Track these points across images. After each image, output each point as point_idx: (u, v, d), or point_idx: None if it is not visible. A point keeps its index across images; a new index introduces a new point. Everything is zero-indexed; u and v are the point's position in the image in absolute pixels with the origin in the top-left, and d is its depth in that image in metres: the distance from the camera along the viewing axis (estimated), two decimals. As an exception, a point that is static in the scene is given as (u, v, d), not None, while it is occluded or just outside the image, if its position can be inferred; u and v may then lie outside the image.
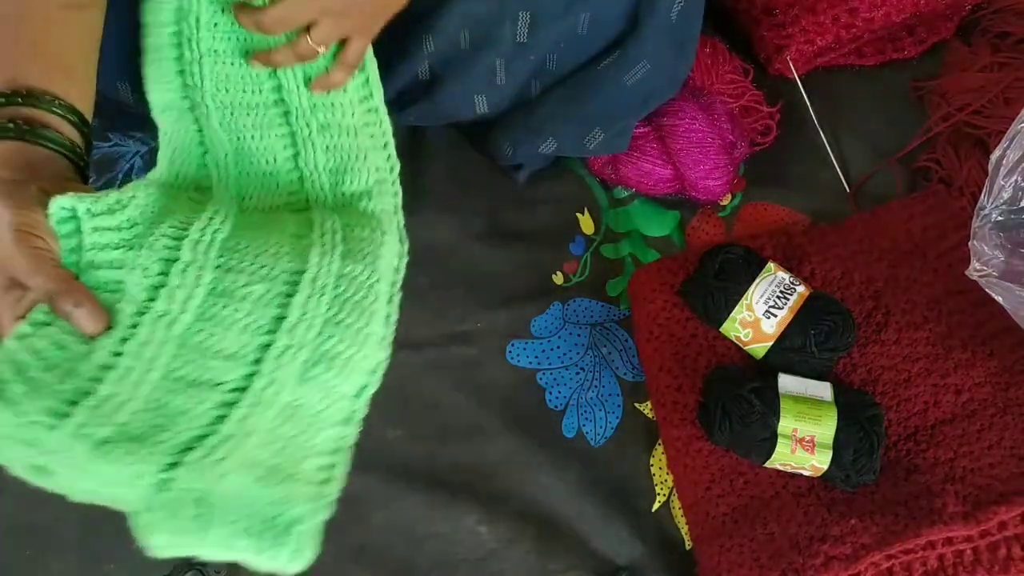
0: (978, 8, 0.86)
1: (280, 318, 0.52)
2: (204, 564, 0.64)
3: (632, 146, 0.76)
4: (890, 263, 0.75)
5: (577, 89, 0.71)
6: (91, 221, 0.49)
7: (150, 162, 0.82)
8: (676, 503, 0.72)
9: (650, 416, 0.74)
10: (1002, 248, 0.65)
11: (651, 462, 0.73)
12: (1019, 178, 0.64)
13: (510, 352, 0.76)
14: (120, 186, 0.77)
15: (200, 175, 0.63)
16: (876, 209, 0.79)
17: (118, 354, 0.47)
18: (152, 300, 0.49)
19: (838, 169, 0.83)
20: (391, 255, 0.60)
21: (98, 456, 0.44)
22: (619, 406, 0.75)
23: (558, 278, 0.79)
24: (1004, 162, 0.65)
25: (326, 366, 0.52)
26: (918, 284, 0.74)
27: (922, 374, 0.70)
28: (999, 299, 0.64)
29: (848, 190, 0.82)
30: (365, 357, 0.54)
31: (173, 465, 0.45)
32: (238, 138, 0.63)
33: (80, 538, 0.70)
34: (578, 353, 0.76)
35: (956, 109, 0.81)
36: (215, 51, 0.63)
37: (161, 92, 0.63)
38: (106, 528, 0.70)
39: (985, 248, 0.65)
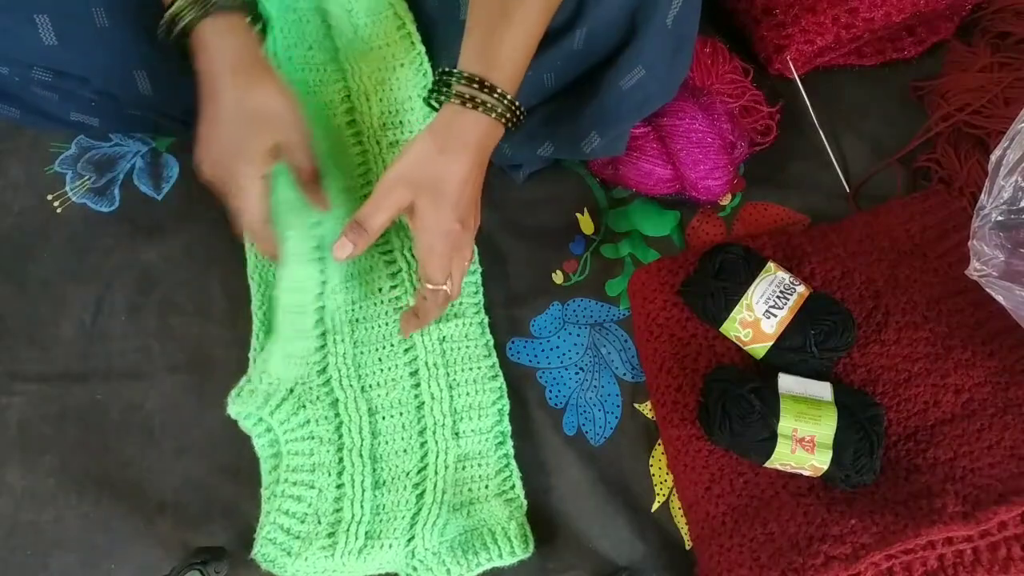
0: (978, 8, 0.86)
1: (420, 405, 0.70)
2: (204, 563, 0.64)
3: (632, 146, 0.76)
4: (890, 263, 0.75)
5: (574, 94, 0.71)
6: (272, 417, 0.68)
7: (151, 162, 0.82)
8: (676, 503, 0.72)
9: (650, 416, 0.74)
10: (1002, 248, 0.65)
11: (651, 462, 0.73)
12: (1019, 178, 0.64)
13: (510, 349, 0.76)
14: (121, 185, 0.81)
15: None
16: (876, 209, 0.79)
17: (340, 486, 0.67)
18: (340, 437, 0.68)
19: (838, 169, 0.83)
20: (468, 283, 0.74)
21: (361, 558, 0.65)
22: (618, 406, 0.75)
23: (558, 277, 0.79)
24: (1004, 162, 0.64)
25: (467, 416, 0.70)
26: (918, 284, 0.74)
27: (922, 374, 0.70)
28: (999, 299, 0.64)
29: (848, 190, 0.82)
30: (489, 390, 0.71)
31: (411, 539, 0.66)
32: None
33: (80, 538, 0.70)
34: (577, 353, 0.76)
35: (956, 109, 0.81)
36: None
37: None
38: (106, 528, 0.71)
39: (985, 248, 0.65)
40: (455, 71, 0.59)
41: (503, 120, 0.59)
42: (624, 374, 0.76)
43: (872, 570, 0.63)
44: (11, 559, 0.70)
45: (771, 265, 0.71)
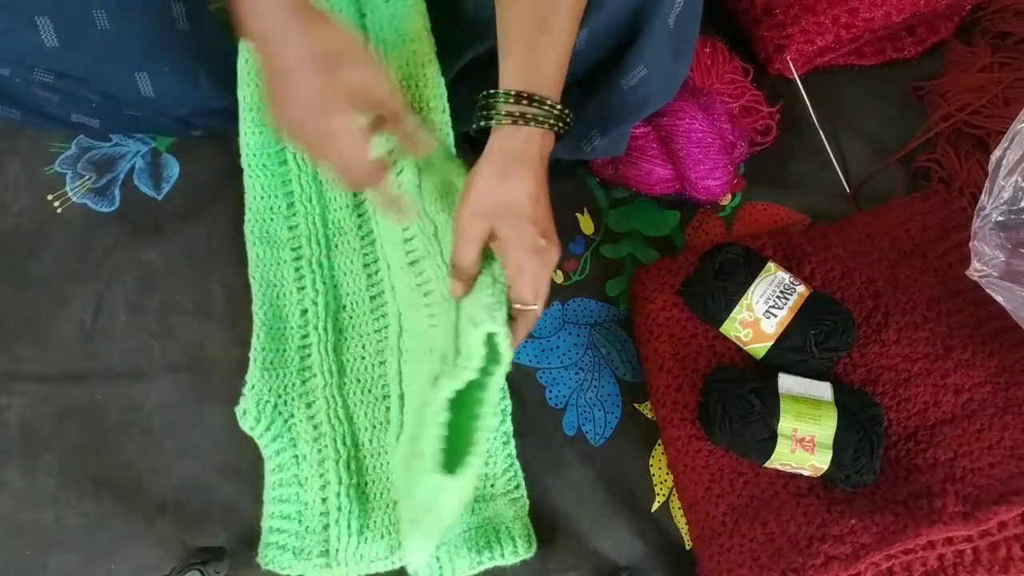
0: (978, 8, 0.86)
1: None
2: (204, 563, 0.64)
3: (632, 146, 0.76)
4: (890, 263, 0.75)
5: (575, 93, 0.71)
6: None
7: (151, 162, 0.82)
8: (676, 503, 0.72)
9: (650, 416, 0.74)
10: (1002, 248, 0.65)
11: (651, 462, 0.73)
12: (1019, 178, 0.64)
13: (510, 351, 0.76)
14: (121, 185, 0.81)
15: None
16: (876, 209, 0.79)
17: (323, 474, 0.68)
18: (334, 431, 0.70)
19: (838, 169, 0.83)
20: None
21: (358, 555, 0.66)
22: (618, 406, 0.75)
23: (558, 276, 0.79)
24: (1004, 162, 0.65)
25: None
26: (918, 284, 0.74)
27: (922, 374, 0.70)
28: (999, 299, 0.64)
29: (848, 190, 0.82)
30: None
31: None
32: None
33: (80, 538, 0.70)
34: (577, 353, 0.76)
35: (956, 109, 0.81)
36: None
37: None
38: (106, 527, 0.71)
39: (986, 248, 0.65)
40: (499, 92, 0.59)
41: (555, 129, 0.60)
42: (624, 374, 0.76)
43: (872, 570, 0.63)
44: (11, 559, 0.70)
45: (771, 265, 0.71)
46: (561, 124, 0.60)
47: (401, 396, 0.69)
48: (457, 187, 0.66)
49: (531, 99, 0.58)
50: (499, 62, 0.60)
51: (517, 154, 0.59)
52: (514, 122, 0.58)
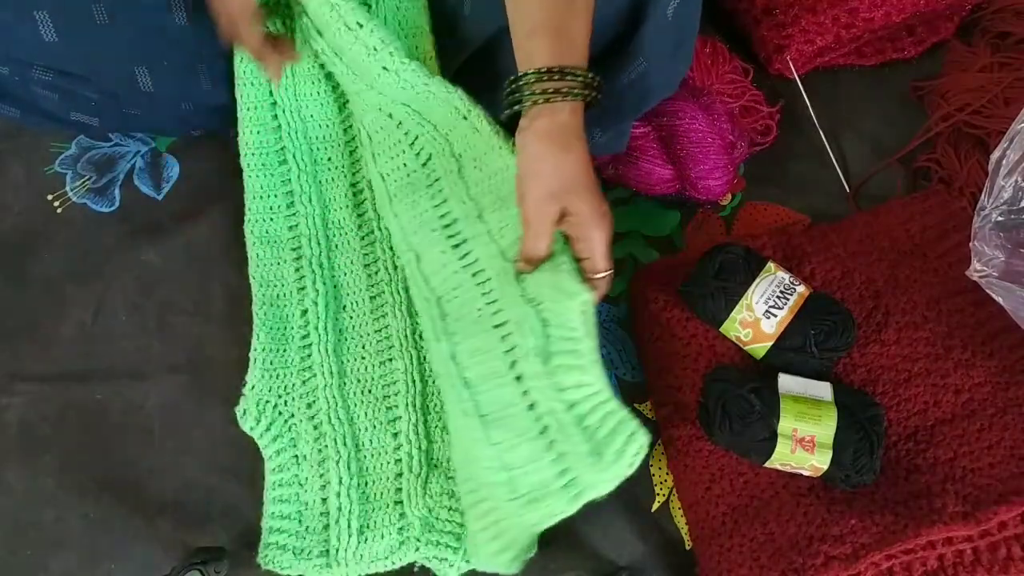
0: (978, 8, 0.86)
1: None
2: (204, 563, 0.64)
3: (632, 146, 0.76)
4: (890, 263, 0.75)
5: None
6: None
7: (151, 162, 0.82)
8: (676, 503, 0.72)
9: (650, 416, 0.74)
10: (1002, 248, 0.65)
11: (651, 462, 0.73)
12: (1019, 178, 0.64)
13: (510, 352, 0.76)
14: (121, 185, 0.81)
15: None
16: (876, 209, 0.79)
17: (323, 474, 0.69)
18: (333, 426, 0.70)
19: (838, 169, 0.83)
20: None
21: (357, 555, 0.66)
22: (619, 406, 0.74)
23: (558, 278, 0.79)
24: (1004, 162, 0.65)
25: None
26: (918, 284, 0.74)
27: (922, 374, 0.70)
28: (999, 299, 0.64)
29: (848, 190, 0.82)
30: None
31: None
32: None
33: (80, 538, 0.70)
34: (578, 353, 0.76)
35: (956, 109, 0.81)
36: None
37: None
38: (106, 528, 0.71)
39: (985, 248, 0.65)
40: (535, 72, 0.59)
41: (592, 98, 0.61)
42: (625, 374, 0.76)
43: (872, 570, 0.63)
44: (11, 559, 0.70)
45: (771, 265, 0.71)
46: (597, 93, 0.61)
47: (463, 378, 0.66)
48: (501, 161, 0.67)
49: (573, 73, 0.59)
50: (520, 44, 0.61)
51: (570, 128, 0.60)
52: (564, 98, 0.59)
